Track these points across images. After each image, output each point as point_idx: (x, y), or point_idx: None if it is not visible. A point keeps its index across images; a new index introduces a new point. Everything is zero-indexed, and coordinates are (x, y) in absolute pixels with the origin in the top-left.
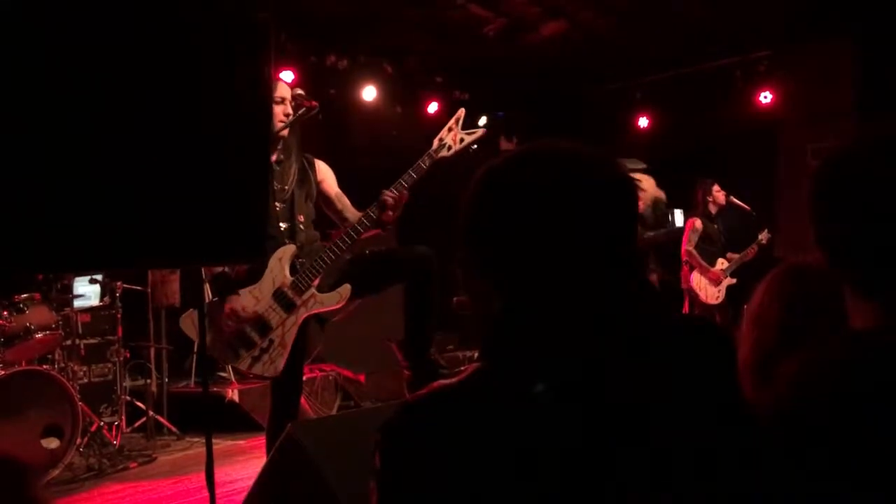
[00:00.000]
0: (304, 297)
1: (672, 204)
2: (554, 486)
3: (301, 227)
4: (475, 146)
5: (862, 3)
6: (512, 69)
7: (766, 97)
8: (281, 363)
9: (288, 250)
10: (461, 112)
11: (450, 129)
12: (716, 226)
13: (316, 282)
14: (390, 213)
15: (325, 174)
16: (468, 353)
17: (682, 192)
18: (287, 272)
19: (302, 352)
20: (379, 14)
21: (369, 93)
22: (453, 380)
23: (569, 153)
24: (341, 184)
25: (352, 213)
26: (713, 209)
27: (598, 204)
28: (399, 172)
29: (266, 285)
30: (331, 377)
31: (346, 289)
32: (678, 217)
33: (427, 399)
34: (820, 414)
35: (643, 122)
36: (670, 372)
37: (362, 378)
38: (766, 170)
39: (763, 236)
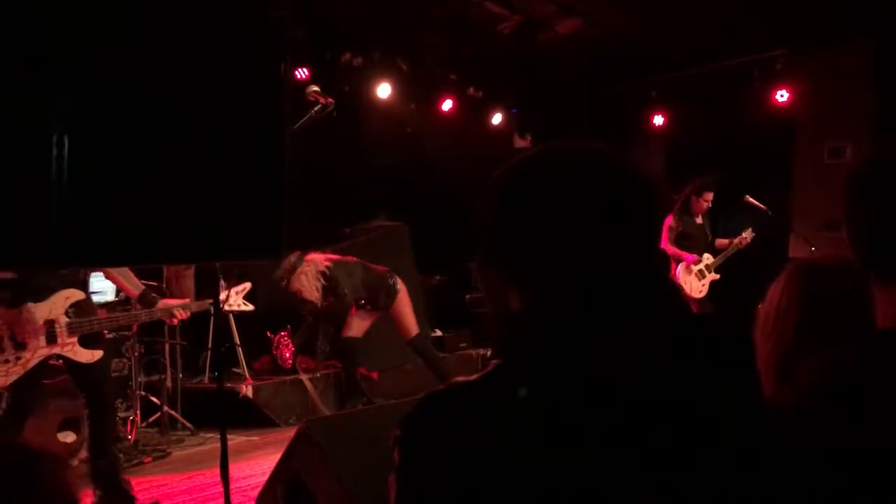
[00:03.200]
0: (68, 340)
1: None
2: (572, 484)
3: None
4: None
5: (879, 2)
6: (527, 67)
7: (782, 96)
8: (9, 381)
9: (78, 295)
10: (247, 285)
11: (238, 294)
12: (699, 222)
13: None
14: (174, 321)
15: None
16: (481, 351)
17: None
18: (64, 311)
19: (32, 383)
20: (394, 11)
21: (384, 90)
22: (473, 376)
23: (589, 153)
24: (355, 181)
25: (133, 286)
26: (696, 210)
27: (620, 203)
28: (412, 169)
29: (41, 311)
30: (343, 375)
31: (98, 353)
32: None
33: (447, 394)
34: (844, 413)
35: (658, 119)
36: (693, 373)
37: (375, 375)
38: (783, 169)
39: (747, 234)
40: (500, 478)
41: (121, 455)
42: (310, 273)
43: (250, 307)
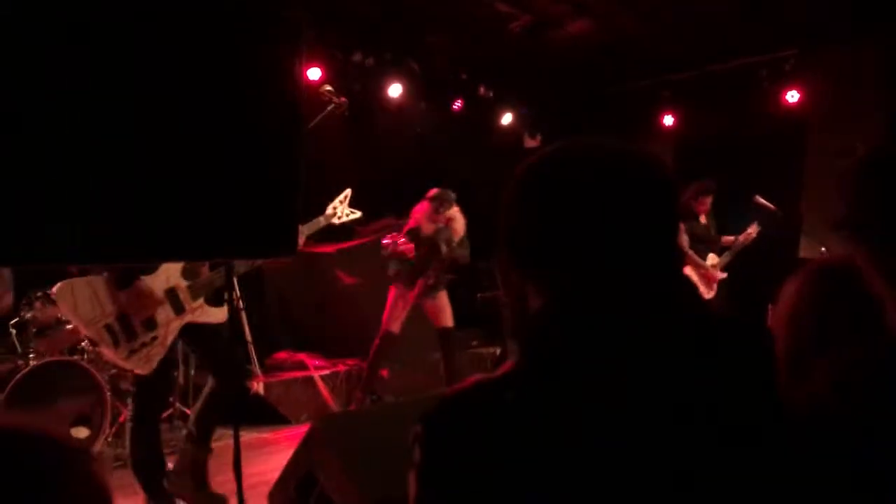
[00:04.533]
0: (195, 304)
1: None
2: (592, 484)
3: None
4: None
5: (890, 2)
6: (537, 66)
7: (792, 96)
8: (155, 362)
9: None
10: (348, 192)
11: (341, 202)
12: (704, 222)
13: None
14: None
15: None
16: (491, 350)
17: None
18: (181, 274)
19: (172, 357)
20: (405, 11)
21: (395, 90)
22: (494, 374)
23: (608, 150)
24: (365, 180)
25: None
26: (699, 210)
27: (640, 201)
28: (423, 168)
29: (159, 281)
30: (354, 372)
31: (223, 310)
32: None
33: (468, 393)
34: (859, 414)
35: (669, 120)
36: (713, 372)
37: (385, 373)
38: (793, 169)
39: (752, 229)
40: (519, 479)
41: None
42: (458, 219)
43: (358, 214)
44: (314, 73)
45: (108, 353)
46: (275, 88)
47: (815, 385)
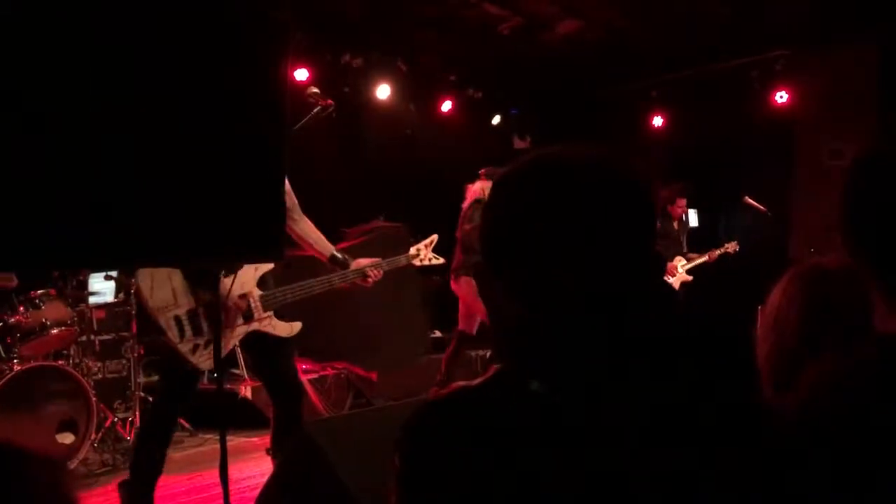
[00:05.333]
0: (265, 314)
1: (687, 203)
2: (574, 491)
3: None
4: (433, 259)
5: (880, 2)
6: (527, 67)
7: (782, 97)
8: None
9: (266, 266)
10: (435, 237)
11: (426, 247)
12: (675, 225)
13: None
14: (368, 282)
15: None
16: (480, 352)
17: (696, 192)
18: (255, 283)
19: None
20: (393, 12)
21: (383, 91)
22: (475, 381)
23: (584, 157)
24: (354, 182)
25: (315, 238)
26: (674, 215)
27: (615, 209)
28: (411, 170)
29: (236, 286)
30: (343, 375)
31: (297, 325)
32: (693, 216)
33: (449, 400)
34: (847, 420)
35: (658, 121)
36: (692, 377)
37: (374, 376)
38: (783, 170)
39: (731, 246)
40: (501, 486)
41: (118, 456)
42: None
43: (441, 260)
44: (302, 75)
45: (172, 342)
46: (259, 91)
47: (802, 390)
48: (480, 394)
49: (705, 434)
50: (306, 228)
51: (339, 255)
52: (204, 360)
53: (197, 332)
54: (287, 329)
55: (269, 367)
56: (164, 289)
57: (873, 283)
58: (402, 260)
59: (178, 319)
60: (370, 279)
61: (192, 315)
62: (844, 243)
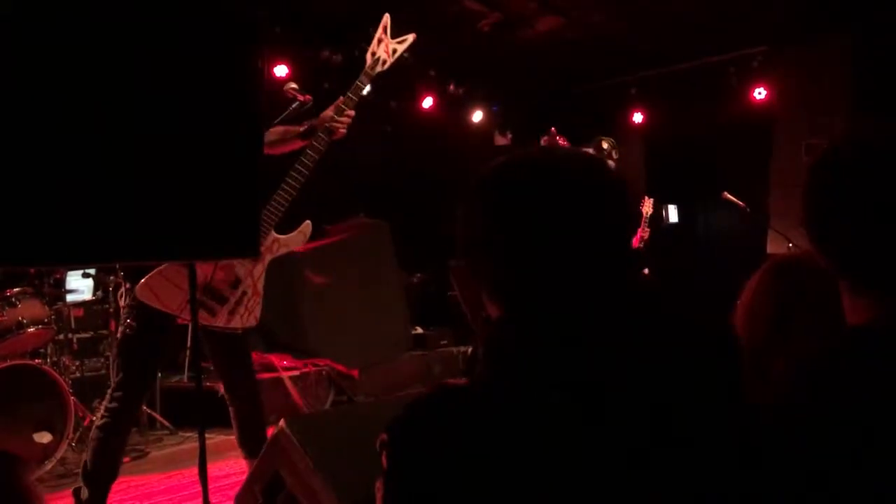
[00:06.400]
0: (267, 242)
1: (666, 199)
2: (561, 490)
3: None
4: (407, 54)
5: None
6: (507, 64)
7: (760, 93)
8: (258, 311)
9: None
10: (386, 18)
11: (380, 41)
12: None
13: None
14: (340, 134)
15: None
16: (462, 349)
17: (674, 188)
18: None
19: (159, 358)
20: (373, 8)
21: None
22: (459, 380)
23: (560, 157)
24: (335, 178)
25: (281, 134)
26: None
27: (592, 208)
28: (393, 165)
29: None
30: (324, 372)
31: (307, 225)
32: (672, 212)
33: (435, 398)
34: (819, 411)
35: (638, 117)
36: (676, 373)
37: (356, 373)
38: (761, 166)
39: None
40: (488, 485)
41: None
42: None
43: (411, 36)
44: (281, 71)
45: (211, 323)
46: (233, 86)
47: (775, 381)
48: (466, 393)
49: (688, 431)
50: (270, 136)
51: (305, 128)
52: (246, 318)
53: (221, 301)
54: (299, 238)
55: (231, 364)
56: (169, 289)
57: (838, 277)
58: (363, 82)
59: (201, 304)
60: (339, 127)
61: (209, 290)
62: (809, 239)
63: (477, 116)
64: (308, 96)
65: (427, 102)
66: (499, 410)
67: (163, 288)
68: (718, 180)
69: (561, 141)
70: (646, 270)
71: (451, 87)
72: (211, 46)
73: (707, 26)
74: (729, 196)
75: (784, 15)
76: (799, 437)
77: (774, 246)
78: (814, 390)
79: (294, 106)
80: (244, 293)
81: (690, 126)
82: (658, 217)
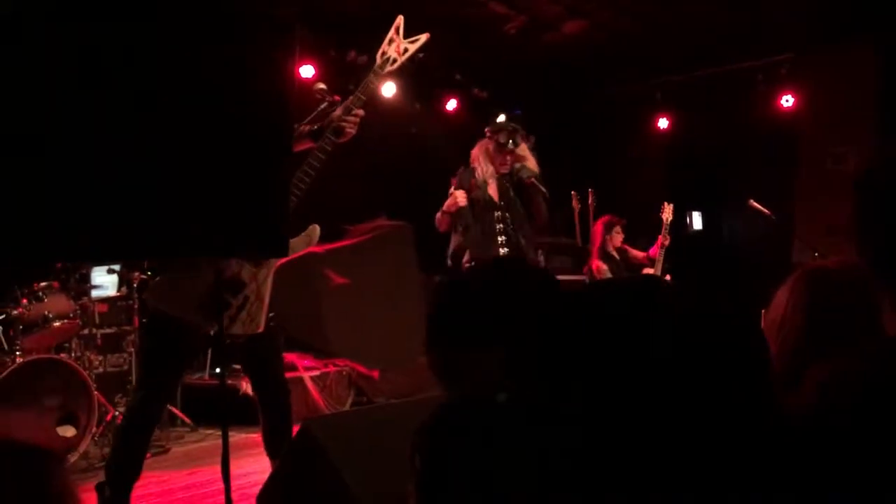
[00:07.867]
0: None
1: (689, 206)
2: (594, 488)
3: None
4: (421, 54)
5: (885, 7)
6: (531, 67)
7: (787, 101)
8: (262, 318)
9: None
10: (399, 19)
11: (391, 41)
12: (617, 258)
13: None
14: (349, 134)
15: None
16: None
17: (699, 194)
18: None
19: (188, 361)
20: (399, 10)
21: (388, 89)
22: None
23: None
24: (358, 179)
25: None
26: (610, 247)
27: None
28: (416, 169)
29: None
30: (344, 373)
31: (313, 229)
32: (696, 219)
33: (465, 400)
34: (853, 422)
35: (663, 122)
36: (701, 378)
37: (376, 374)
38: (786, 174)
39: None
40: (518, 487)
41: None
42: None
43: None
44: (307, 71)
45: (208, 329)
46: (264, 88)
47: (809, 393)
48: (495, 393)
49: (720, 436)
50: None
51: (315, 128)
52: (247, 326)
53: (225, 307)
54: (305, 241)
55: (262, 364)
56: (177, 291)
57: (881, 286)
58: (372, 81)
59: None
60: (347, 126)
61: (213, 296)
62: (854, 246)
63: (500, 120)
64: (337, 97)
65: (451, 105)
66: (530, 419)
67: (168, 297)
68: (744, 188)
69: None
70: (668, 277)
71: (476, 90)
72: (244, 47)
73: (735, 32)
74: (755, 204)
75: (812, 22)
76: (835, 447)
77: (800, 255)
78: (852, 399)
79: (323, 106)
80: (246, 298)
81: (716, 132)
82: (681, 224)
